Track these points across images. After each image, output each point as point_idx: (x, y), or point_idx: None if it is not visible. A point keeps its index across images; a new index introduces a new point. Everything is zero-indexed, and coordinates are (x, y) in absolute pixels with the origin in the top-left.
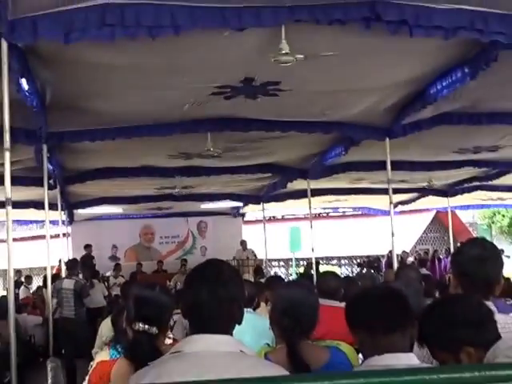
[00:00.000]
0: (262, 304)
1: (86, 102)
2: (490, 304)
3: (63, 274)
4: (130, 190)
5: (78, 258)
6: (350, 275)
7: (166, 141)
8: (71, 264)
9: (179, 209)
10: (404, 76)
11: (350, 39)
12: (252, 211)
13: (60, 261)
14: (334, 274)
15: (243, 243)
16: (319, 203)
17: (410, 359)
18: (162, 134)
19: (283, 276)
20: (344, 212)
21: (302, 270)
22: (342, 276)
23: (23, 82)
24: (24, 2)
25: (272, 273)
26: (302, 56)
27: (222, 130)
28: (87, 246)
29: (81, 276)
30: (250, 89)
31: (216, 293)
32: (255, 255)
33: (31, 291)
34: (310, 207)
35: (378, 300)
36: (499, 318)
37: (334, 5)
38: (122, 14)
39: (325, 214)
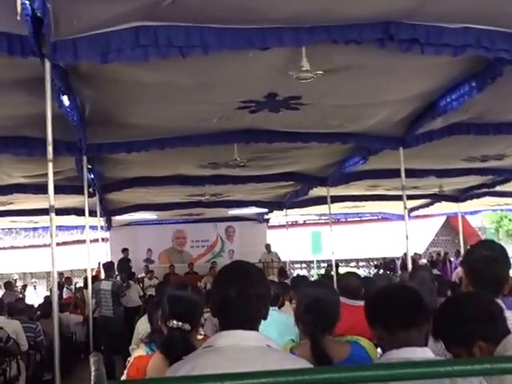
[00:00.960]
0: (287, 303)
1: (122, 116)
2: (499, 302)
3: (102, 276)
4: (163, 198)
5: (116, 261)
6: (368, 276)
7: (195, 152)
8: (109, 266)
9: (208, 215)
10: (416, 90)
11: (365, 57)
12: (276, 217)
13: (99, 263)
14: (355, 274)
15: (268, 247)
16: (338, 209)
17: (425, 353)
18: (192, 145)
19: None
20: (361, 217)
21: (322, 271)
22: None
23: (64, 98)
24: (65, 25)
25: (295, 274)
26: (320, 72)
27: (248, 142)
28: (124, 250)
29: (118, 278)
30: (274, 103)
31: (243, 291)
32: (279, 258)
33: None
34: (329, 212)
35: (395, 298)
36: (508, 314)
37: (350, 26)
38: (155, 35)
39: (344, 219)
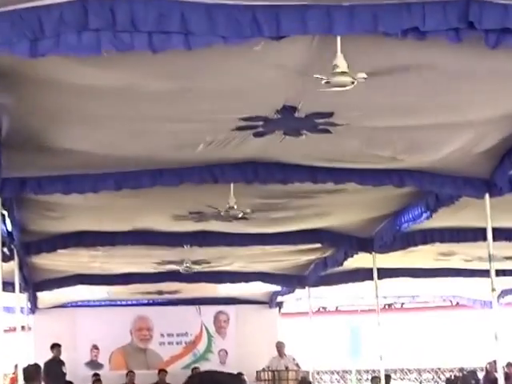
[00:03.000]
0: None
1: (58, 138)
2: None
3: None
4: (119, 266)
5: (43, 364)
6: None
7: (170, 194)
8: (31, 373)
9: (188, 293)
10: (509, 108)
11: (432, 54)
12: (293, 299)
13: (16, 366)
14: None
15: (280, 346)
16: (390, 289)
17: None
18: (165, 185)
19: None
20: (425, 302)
21: None
22: None
23: None
24: None
25: None
26: (364, 76)
27: (251, 181)
28: (55, 346)
29: None
30: (291, 122)
31: None
32: (297, 364)
33: None
34: (376, 294)
35: None
36: None
37: (410, 4)
38: (113, 14)
39: (398, 305)
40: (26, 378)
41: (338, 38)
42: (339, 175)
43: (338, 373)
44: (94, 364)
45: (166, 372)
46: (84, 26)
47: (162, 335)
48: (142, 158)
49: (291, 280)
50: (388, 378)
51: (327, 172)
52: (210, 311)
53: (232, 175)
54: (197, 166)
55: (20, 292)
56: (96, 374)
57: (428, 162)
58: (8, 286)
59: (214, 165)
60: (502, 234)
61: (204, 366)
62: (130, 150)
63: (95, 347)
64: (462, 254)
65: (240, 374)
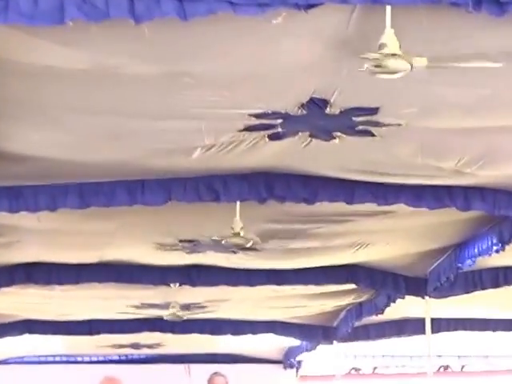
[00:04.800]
0: None
1: (4, 137)
2: None
3: None
4: (82, 310)
5: None
6: None
7: (155, 216)
8: None
9: (175, 348)
10: None
11: None
12: (316, 358)
13: None
14: None
15: None
16: (446, 346)
17: None
18: (148, 203)
19: None
20: (495, 364)
21: None
22: None
23: None
24: None
25: None
26: (423, 61)
27: (264, 199)
28: None
29: None
30: (320, 120)
31: None
32: None
33: None
34: (429, 353)
35: None
36: None
37: None
38: None
39: (457, 368)
40: None
41: (388, 9)
42: (383, 193)
43: None
44: None
45: None
46: None
47: None
48: (118, 165)
49: (314, 332)
50: None
51: (367, 189)
52: (203, 372)
53: (238, 191)
54: (191, 177)
55: None
56: None
57: (504, 177)
58: None
59: (215, 176)
60: None
61: None
62: (102, 156)
63: None
64: None
65: None
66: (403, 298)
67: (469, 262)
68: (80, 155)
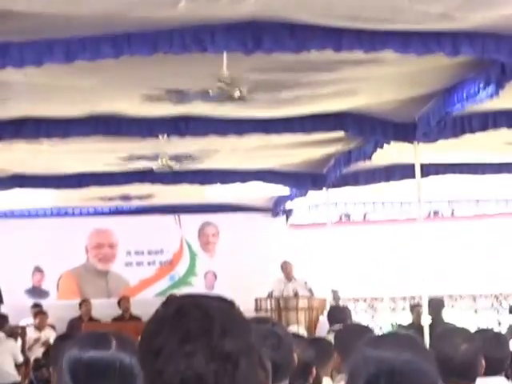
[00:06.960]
0: (326, 379)
1: None
2: None
3: None
4: (70, 163)
5: None
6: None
7: (141, 68)
8: None
9: (164, 199)
10: None
11: None
12: (307, 205)
13: None
14: (463, 332)
15: (287, 267)
16: (435, 191)
17: None
18: (134, 54)
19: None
20: (483, 208)
21: (402, 317)
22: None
23: None
24: None
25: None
26: None
27: (251, 49)
28: None
29: None
30: None
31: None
32: (310, 290)
33: None
34: (418, 198)
35: None
36: None
37: None
38: None
39: (447, 213)
40: None
41: None
42: (371, 40)
43: (364, 301)
44: (36, 291)
45: (127, 300)
46: None
47: (129, 253)
48: (103, 18)
49: (304, 179)
50: (440, 304)
51: (355, 35)
52: (193, 222)
53: (225, 41)
54: (178, 28)
55: None
56: (36, 305)
57: (493, 20)
58: None
59: (201, 26)
60: None
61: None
62: (87, 8)
63: (38, 270)
64: None
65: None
66: (389, 143)
67: (458, 106)
68: (65, 8)
